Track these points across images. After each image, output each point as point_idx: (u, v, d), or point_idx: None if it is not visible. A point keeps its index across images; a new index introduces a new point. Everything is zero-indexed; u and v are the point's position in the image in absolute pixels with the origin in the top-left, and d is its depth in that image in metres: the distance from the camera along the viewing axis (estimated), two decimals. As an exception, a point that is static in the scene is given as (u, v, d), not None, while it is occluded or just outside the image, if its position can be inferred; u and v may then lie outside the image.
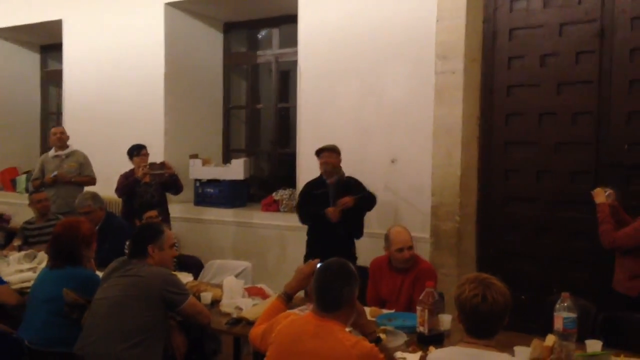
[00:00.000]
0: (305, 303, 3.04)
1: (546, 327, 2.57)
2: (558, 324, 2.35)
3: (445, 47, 4.67)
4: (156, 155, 5.64)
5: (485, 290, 1.99)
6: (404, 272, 3.41)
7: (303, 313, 2.94)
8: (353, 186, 4.48)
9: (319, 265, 2.47)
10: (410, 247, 3.41)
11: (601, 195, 3.28)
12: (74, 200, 4.70)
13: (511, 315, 3.45)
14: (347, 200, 4.31)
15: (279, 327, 2.22)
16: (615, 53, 4.19)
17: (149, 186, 5.15)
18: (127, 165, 5.33)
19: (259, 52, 6.43)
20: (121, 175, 5.24)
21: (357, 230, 4.53)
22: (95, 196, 4.54)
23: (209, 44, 6.45)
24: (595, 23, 4.25)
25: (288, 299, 2.62)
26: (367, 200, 4.45)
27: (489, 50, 4.71)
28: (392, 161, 4.97)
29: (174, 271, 3.51)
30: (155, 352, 2.79)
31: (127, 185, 5.13)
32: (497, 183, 4.74)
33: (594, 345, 2.44)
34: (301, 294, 3.05)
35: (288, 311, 2.43)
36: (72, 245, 3.10)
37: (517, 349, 2.38)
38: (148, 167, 5.07)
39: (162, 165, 5.21)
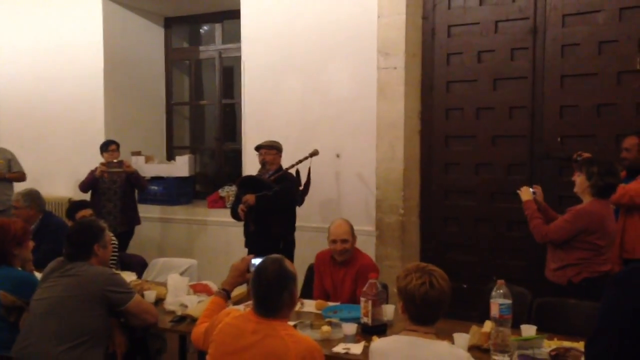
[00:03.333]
0: (250, 298, 3.03)
1: (485, 314, 2.67)
2: (494, 311, 2.45)
3: (387, 43, 4.76)
4: (94, 153, 5.51)
5: (431, 278, 2.05)
6: (345, 265, 3.44)
7: (247, 309, 2.96)
8: (265, 181, 4.34)
9: (253, 261, 2.49)
10: (345, 241, 3.40)
11: (527, 193, 3.41)
12: (6, 197, 4.59)
13: (452, 304, 3.55)
14: (247, 198, 4.23)
15: (220, 325, 2.21)
16: (547, 49, 4.37)
17: (113, 183, 5.20)
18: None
19: (202, 48, 6.35)
20: (90, 171, 5.28)
21: (282, 224, 4.37)
22: (28, 194, 4.39)
23: (150, 39, 6.33)
24: (529, 20, 4.42)
25: (227, 295, 2.62)
26: (271, 198, 4.24)
27: (429, 46, 4.83)
28: (337, 156, 5.02)
29: (117, 270, 3.45)
30: (96, 352, 2.73)
31: (87, 181, 5.21)
32: (438, 176, 4.86)
33: (528, 330, 2.56)
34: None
35: (229, 308, 2.43)
36: (2, 245, 3.00)
37: (457, 335, 2.47)
38: (105, 165, 5.15)
39: (121, 163, 5.22)
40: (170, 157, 6.30)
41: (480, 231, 4.71)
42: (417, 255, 4.90)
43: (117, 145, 5.36)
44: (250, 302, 2.97)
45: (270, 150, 4.46)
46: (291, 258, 4.33)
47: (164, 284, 3.41)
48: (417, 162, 4.91)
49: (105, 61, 5.94)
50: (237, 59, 5.57)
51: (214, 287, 3.35)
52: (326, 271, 3.51)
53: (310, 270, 3.86)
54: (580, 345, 2.32)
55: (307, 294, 3.59)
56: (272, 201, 4.26)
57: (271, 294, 2.14)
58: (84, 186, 5.24)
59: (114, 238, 3.87)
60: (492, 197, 4.65)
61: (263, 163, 4.45)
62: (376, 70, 4.81)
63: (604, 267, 3.11)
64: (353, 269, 3.40)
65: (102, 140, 5.58)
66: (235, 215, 4.47)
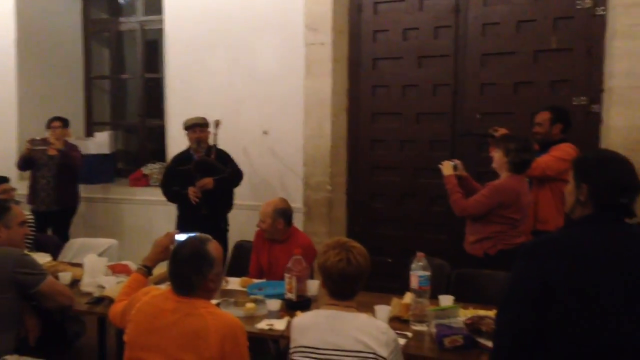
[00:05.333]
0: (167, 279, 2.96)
1: (407, 287, 2.74)
2: (414, 282, 2.51)
3: (314, 18, 4.72)
4: (7, 129, 5.21)
5: (348, 254, 2.07)
6: (281, 243, 3.43)
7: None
8: (217, 164, 4.34)
9: (177, 237, 2.43)
10: (262, 221, 3.42)
11: (448, 168, 3.50)
12: None
13: (377, 277, 3.63)
14: (206, 182, 4.22)
15: (138, 304, 2.15)
16: (469, 28, 4.46)
17: (50, 159, 5.01)
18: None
19: (122, 19, 6.08)
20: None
21: (225, 206, 4.47)
22: None
23: (66, 9, 5.99)
24: (451, -1, 4.49)
25: (148, 272, 2.55)
26: (228, 180, 4.35)
27: (355, 23, 4.82)
28: (265, 132, 4.97)
29: (30, 252, 3.29)
30: (5, 338, 2.61)
31: (20, 158, 5.08)
32: (365, 153, 4.91)
33: (445, 300, 2.64)
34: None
35: (149, 287, 2.37)
36: None
37: (378, 307, 2.52)
38: (30, 142, 4.95)
39: (44, 141, 4.98)
40: (89, 133, 6.04)
41: (405, 206, 4.81)
42: (344, 231, 4.95)
43: (63, 121, 5.11)
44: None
45: (205, 128, 4.39)
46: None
47: (81, 265, 3.29)
48: (345, 139, 4.93)
49: (17, 32, 5.59)
50: (161, 32, 5.37)
51: (134, 267, 3.26)
52: (263, 249, 3.49)
53: (239, 248, 3.84)
54: (493, 314, 2.42)
55: (235, 272, 3.56)
56: (229, 182, 4.31)
57: (182, 274, 2.08)
58: (18, 163, 5.13)
59: (30, 217, 3.69)
60: (416, 173, 4.75)
61: (198, 141, 4.34)
62: (304, 46, 4.77)
63: (518, 239, 3.25)
64: (289, 247, 3.39)
65: (15, 115, 5.29)
66: (173, 197, 4.37)
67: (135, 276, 2.52)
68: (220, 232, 4.36)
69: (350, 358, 1.94)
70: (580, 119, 4.09)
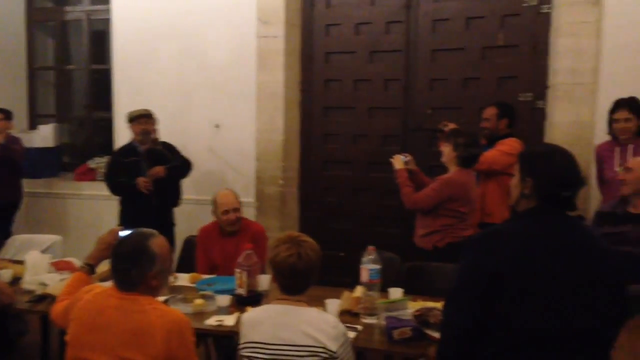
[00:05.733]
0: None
1: (358, 280, 2.75)
2: (364, 276, 2.53)
3: (266, 11, 4.68)
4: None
5: (299, 249, 2.06)
6: (235, 235, 3.40)
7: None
8: (164, 154, 4.32)
9: (121, 233, 2.37)
10: (237, 209, 3.42)
11: (399, 162, 3.54)
12: None
13: (330, 271, 3.64)
14: (158, 170, 4.17)
15: (80, 302, 2.09)
16: (419, 23, 4.51)
17: None
18: None
19: (68, 8, 5.87)
20: None
21: (174, 198, 4.43)
22: None
23: (8, -4, 5.76)
24: (403, -6, 4.53)
25: (91, 270, 2.48)
26: (180, 168, 4.36)
27: (308, 16, 4.81)
28: (216, 126, 4.91)
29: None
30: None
31: None
32: (317, 147, 4.91)
33: (395, 293, 2.67)
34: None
35: (91, 285, 2.30)
36: None
37: (328, 301, 2.52)
38: None
39: None
40: (33, 126, 5.82)
41: (358, 200, 4.83)
42: (297, 226, 4.94)
43: (5, 113, 4.85)
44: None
45: (151, 119, 4.32)
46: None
47: (23, 262, 3.17)
48: (297, 133, 4.92)
49: (-47, 19, 5.34)
50: (108, 22, 5.22)
51: (79, 264, 3.17)
52: (214, 245, 3.43)
53: (189, 243, 3.77)
54: (441, 305, 2.45)
55: (185, 267, 3.50)
56: (180, 172, 4.31)
57: (121, 270, 2.03)
58: None
59: None
60: (368, 167, 4.78)
61: (144, 133, 4.27)
62: (256, 39, 4.73)
63: (466, 232, 3.31)
64: (245, 237, 3.38)
65: (-49, 107, 5.03)
66: (119, 189, 4.28)
67: (78, 275, 2.44)
68: (167, 226, 4.32)
69: (300, 353, 1.94)
70: (526, 115, 4.20)
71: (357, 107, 4.77)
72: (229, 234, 3.41)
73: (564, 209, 1.77)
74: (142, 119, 4.28)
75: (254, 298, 2.71)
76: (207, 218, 3.81)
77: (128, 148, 4.37)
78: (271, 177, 4.81)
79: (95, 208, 5.18)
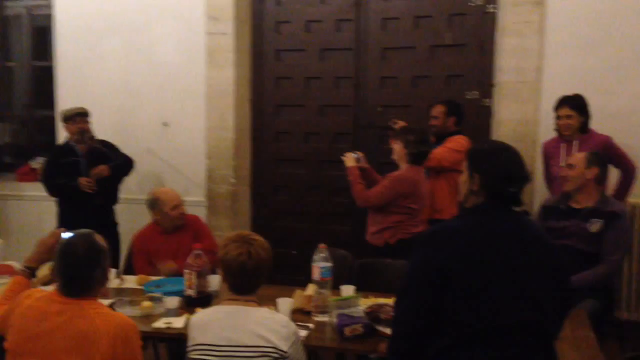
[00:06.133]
0: (53, 280, 2.79)
1: (310, 278, 2.74)
2: (315, 274, 2.52)
3: (215, 7, 4.61)
4: None
5: (249, 248, 2.04)
6: (178, 231, 3.34)
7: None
8: (105, 153, 4.22)
9: (63, 235, 2.29)
10: (182, 203, 3.40)
11: (350, 160, 3.55)
12: None
13: (282, 270, 3.61)
14: (102, 169, 4.08)
15: (19, 308, 2.00)
16: (369, 22, 4.53)
17: None
18: None
19: (7, 3, 5.63)
20: None
21: (113, 197, 4.33)
22: None
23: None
24: (352, -8, 4.54)
25: (31, 274, 2.39)
26: (123, 167, 4.28)
27: (258, 13, 4.77)
28: (165, 124, 4.81)
29: None
30: None
31: None
32: (269, 145, 4.88)
33: (347, 290, 2.67)
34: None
35: (31, 289, 2.22)
36: None
37: (280, 300, 2.49)
38: None
39: None
40: (-29, 125, 5.57)
41: (310, 198, 4.82)
42: (249, 224, 4.90)
43: None
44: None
45: (86, 117, 4.20)
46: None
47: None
48: (248, 131, 4.87)
49: None
50: (50, 17, 5.04)
51: (18, 267, 3.04)
52: (156, 246, 3.34)
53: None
54: (392, 301, 2.47)
55: (131, 269, 3.40)
56: (123, 170, 4.24)
57: (83, 273, 1.97)
58: None
59: None
60: (320, 165, 4.77)
61: (82, 132, 4.15)
62: (205, 35, 4.65)
63: (417, 229, 3.35)
64: (187, 230, 3.34)
65: None
66: (58, 190, 4.15)
67: (18, 279, 2.34)
68: (111, 226, 4.22)
69: (251, 354, 1.91)
70: (473, 113, 4.28)
71: (308, 105, 4.76)
72: (173, 230, 3.34)
73: (510, 205, 1.81)
74: (78, 118, 4.15)
75: (204, 299, 2.66)
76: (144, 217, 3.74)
77: (65, 148, 4.23)
78: (222, 176, 4.75)
79: (37, 209, 4.99)
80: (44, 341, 1.90)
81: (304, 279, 2.94)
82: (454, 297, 1.72)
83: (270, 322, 1.96)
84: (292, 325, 1.99)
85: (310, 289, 2.62)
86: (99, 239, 2.05)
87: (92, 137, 4.22)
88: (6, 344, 1.97)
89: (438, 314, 1.74)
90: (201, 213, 4.69)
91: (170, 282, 2.97)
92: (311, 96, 4.74)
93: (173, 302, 2.56)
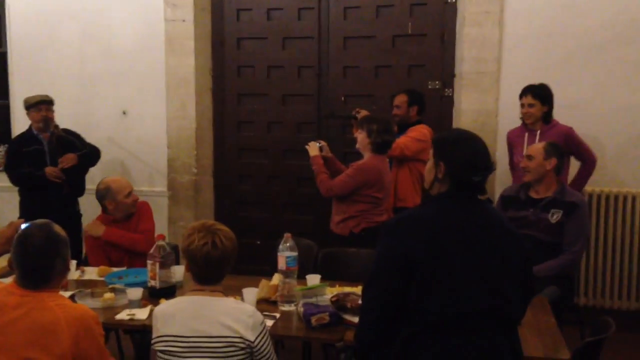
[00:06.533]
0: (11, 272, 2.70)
1: (276, 268, 2.73)
2: (281, 263, 2.51)
3: (174, -6, 4.52)
4: None
5: (214, 237, 2.01)
6: (129, 219, 3.28)
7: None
8: (71, 141, 4.15)
9: (23, 226, 2.22)
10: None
11: (314, 149, 3.54)
12: None
13: (246, 260, 3.59)
14: (70, 158, 4.01)
15: None
16: (331, 10, 4.51)
17: None
18: None
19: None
20: None
21: (79, 187, 4.24)
22: None
23: None
24: (314, -20, 4.51)
25: None
26: (91, 155, 4.21)
27: (218, 0, 4.69)
28: (124, 113, 4.71)
29: None
30: None
31: None
32: (232, 134, 4.83)
33: (313, 279, 2.67)
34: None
35: None
36: None
37: (245, 290, 2.48)
38: None
39: None
40: None
41: (273, 188, 4.80)
42: (212, 215, 4.86)
43: None
44: (10, 278, 2.67)
45: (51, 105, 4.11)
46: None
47: None
48: (210, 120, 4.81)
49: None
50: (2, 2, 4.85)
51: (-25, 260, 2.94)
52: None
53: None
54: (358, 290, 2.49)
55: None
56: (90, 159, 4.18)
57: (41, 263, 1.92)
58: None
59: None
60: (283, 155, 4.75)
61: (46, 120, 4.06)
62: (164, 22, 4.56)
63: (381, 218, 3.37)
64: (137, 216, 3.30)
65: None
66: (23, 180, 4.05)
67: (-25, 271, 2.26)
68: (75, 217, 4.14)
69: (217, 344, 1.90)
70: (435, 102, 4.33)
71: (270, 94, 4.72)
72: (124, 218, 3.27)
73: (475, 193, 1.84)
74: (42, 106, 4.07)
75: (168, 290, 2.62)
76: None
77: (28, 136, 4.13)
78: (184, 166, 4.69)
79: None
80: (1, 335, 1.84)
81: (269, 269, 2.94)
82: (419, 285, 1.74)
83: (236, 312, 1.94)
84: (259, 315, 1.98)
85: (276, 279, 2.61)
86: (58, 229, 1.99)
87: (56, 126, 4.13)
88: (-38, 339, 1.90)
89: (404, 301, 1.75)
90: (163, 204, 4.65)
91: (132, 273, 2.92)
92: (273, 85, 4.71)
93: (136, 293, 2.51)
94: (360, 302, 2.26)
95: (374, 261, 1.83)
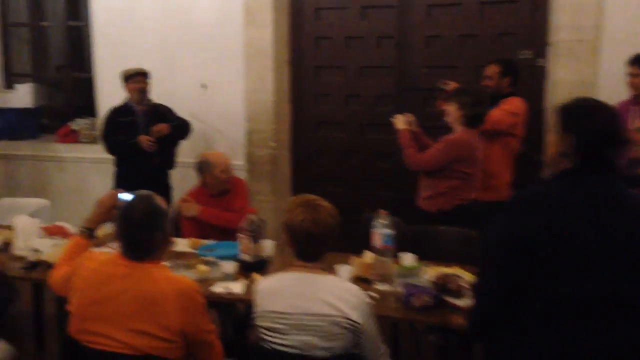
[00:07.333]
0: (114, 239, 2.75)
1: (358, 245, 2.65)
2: (377, 241, 2.43)
3: (253, -36, 4.45)
4: None
5: (315, 213, 1.96)
6: (226, 194, 3.30)
7: (112, 251, 2.68)
8: (164, 113, 4.22)
9: (120, 196, 2.24)
10: (230, 167, 3.36)
11: (401, 122, 3.41)
12: None
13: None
14: (162, 128, 4.05)
15: (82, 270, 1.96)
16: (414, -23, 4.34)
17: None
18: None
19: (41, -38, 5.53)
20: None
21: (170, 160, 4.30)
22: None
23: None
24: (396, -53, 4.33)
25: (90, 235, 2.34)
26: (182, 127, 4.25)
27: (297, -30, 4.60)
28: (203, 86, 4.72)
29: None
30: None
31: None
32: (309, 108, 4.76)
33: (408, 259, 2.57)
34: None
35: (92, 250, 2.17)
36: None
37: (339, 267, 2.42)
38: None
39: None
40: (9, 85, 5.53)
41: (350, 163, 4.72)
42: (289, 189, 4.83)
43: None
44: (114, 244, 2.72)
45: (147, 77, 4.19)
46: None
47: (10, 227, 3.01)
48: (288, 93, 4.75)
49: None
50: (84, -24, 4.93)
51: (71, 228, 3.02)
52: (206, 206, 3.28)
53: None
54: (457, 271, 2.39)
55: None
56: (182, 130, 4.22)
57: (142, 235, 1.92)
58: None
59: None
60: (361, 129, 4.65)
61: (142, 91, 4.14)
62: (242, -6, 4.51)
63: (473, 195, 3.24)
64: (234, 194, 3.31)
65: None
66: (118, 148, 4.15)
67: (77, 240, 2.30)
68: (166, 188, 4.21)
69: (320, 322, 1.84)
70: (526, 73, 4.08)
71: (348, 66, 4.61)
72: (220, 193, 3.28)
73: (605, 170, 1.68)
74: (139, 77, 4.14)
75: (260, 264, 2.60)
76: (197, 182, 3.65)
77: (124, 108, 4.21)
78: (262, 139, 4.66)
79: (79, 171, 4.98)
80: (109, 305, 1.86)
81: (347, 245, 2.85)
82: (539, 268, 1.62)
83: (340, 290, 1.88)
84: (363, 294, 1.91)
85: (368, 257, 2.54)
86: (158, 201, 1.99)
87: (149, 99, 4.21)
88: (70, 307, 1.94)
89: (522, 285, 1.64)
90: (241, 176, 4.63)
91: (222, 246, 2.92)
92: (352, 56, 4.58)
93: (230, 267, 2.51)
94: (462, 284, 2.18)
95: (488, 241, 1.72)
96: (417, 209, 3.39)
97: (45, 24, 5.69)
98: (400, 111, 3.97)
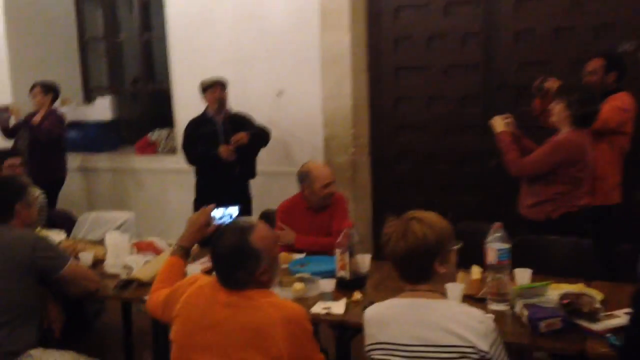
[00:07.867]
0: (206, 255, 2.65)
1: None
2: (491, 256, 2.21)
3: (329, -35, 4.31)
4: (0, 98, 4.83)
5: (406, 227, 1.74)
6: (326, 209, 3.14)
7: (204, 266, 2.59)
8: (243, 121, 4.16)
9: (213, 213, 2.13)
10: (334, 182, 3.15)
11: (500, 124, 3.16)
12: None
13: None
14: (242, 137, 3.98)
15: (184, 296, 1.83)
16: (502, -31, 4.08)
17: (25, 131, 4.62)
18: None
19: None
20: None
21: (251, 169, 4.22)
22: None
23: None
24: (480, -59, 4.09)
25: (186, 254, 2.22)
26: (262, 135, 4.17)
27: (373, -31, 4.42)
28: (279, 94, 4.61)
29: (43, 229, 2.98)
30: (27, 331, 2.33)
31: None
32: (389, 112, 4.58)
33: (523, 274, 2.34)
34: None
35: (194, 274, 2.06)
36: None
37: (449, 285, 2.19)
38: None
39: (6, 109, 4.64)
40: (88, 99, 5.63)
41: (432, 167, 4.49)
42: (369, 196, 4.66)
43: (43, 87, 4.69)
44: (204, 259, 2.63)
45: (225, 87, 4.16)
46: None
47: (100, 243, 2.98)
48: (366, 97, 4.59)
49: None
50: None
51: (161, 244, 2.95)
52: (300, 221, 3.13)
53: (265, 217, 3.50)
54: (583, 289, 2.14)
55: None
56: (261, 139, 4.16)
57: (225, 270, 1.78)
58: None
59: (42, 194, 3.37)
60: (445, 132, 4.42)
61: (220, 101, 4.11)
62: (317, -5, 4.38)
63: (583, 201, 2.96)
64: (334, 209, 3.14)
65: (8, 82, 4.92)
66: (198, 159, 4.12)
67: (173, 260, 2.17)
68: (246, 201, 4.13)
69: (446, 355, 1.64)
70: (628, 68, 3.74)
71: (431, 67, 4.39)
72: (319, 209, 3.12)
73: None
74: (217, 87, 4.12)
75: (359, 281, 2.43)
76: (276, 191, 3.55)
77: (203, 118, 4.19)
78: (341, 146, 4.51)
79: (159, 182, 5.00)
80: (213, 334, 1.73)
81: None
82: None
83: (464, 317, 1.67)
84: (490, 320, 1.70)
85: (476, 272, 2.32)
86: (254, 238, 1.77)
87: (221, 108, 4.16)
88: (172, 335, 1.83)
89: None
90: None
91: (314, 260, 2.77)
92: (434, 56, 4.37)
93: (329, 285, 2.35)
94: (596, 305, 1.93)
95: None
96: (521, 217, 3.13)
97: (120, 38, 5.76)
98: (489, 112, 3.74)
